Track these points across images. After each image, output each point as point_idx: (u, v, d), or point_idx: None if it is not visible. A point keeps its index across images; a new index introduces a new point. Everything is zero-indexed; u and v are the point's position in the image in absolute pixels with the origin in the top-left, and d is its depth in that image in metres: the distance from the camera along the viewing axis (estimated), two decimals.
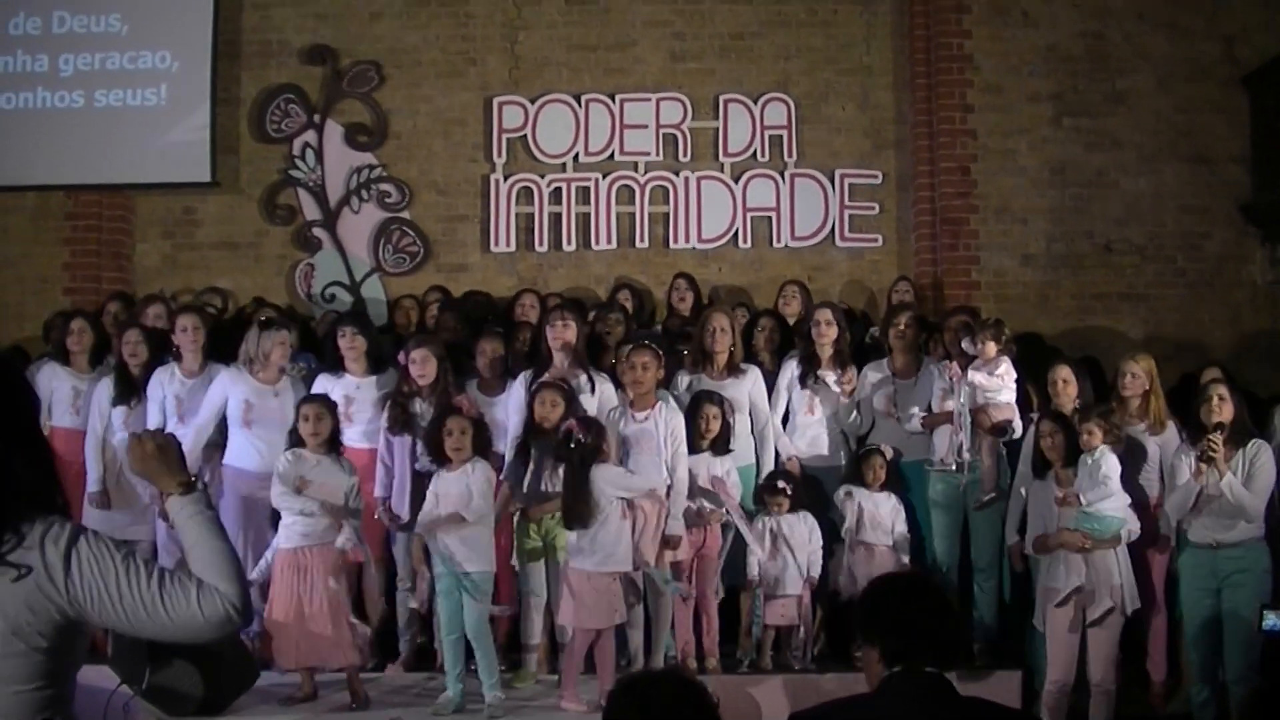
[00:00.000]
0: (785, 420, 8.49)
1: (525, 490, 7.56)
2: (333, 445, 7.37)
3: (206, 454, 8.21)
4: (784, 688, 7.47)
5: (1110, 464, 7.18)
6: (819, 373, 8.44)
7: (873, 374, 8.51)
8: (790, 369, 8.53)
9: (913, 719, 3.55)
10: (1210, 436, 7.00)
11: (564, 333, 7.98)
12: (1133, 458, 7.62)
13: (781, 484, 7.92)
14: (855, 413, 8.47)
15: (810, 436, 8.44)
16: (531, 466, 7.56)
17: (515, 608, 7.77)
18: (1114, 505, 7.16)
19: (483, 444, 7.32)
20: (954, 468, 8.00)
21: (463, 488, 7.14)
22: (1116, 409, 7.75)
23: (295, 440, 7.40)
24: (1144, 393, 7.83)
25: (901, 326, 8.52)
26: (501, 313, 9.94)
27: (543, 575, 7.64)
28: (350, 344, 8.24)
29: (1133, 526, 7.21)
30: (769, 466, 8.20)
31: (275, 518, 7.70)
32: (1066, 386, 7.86)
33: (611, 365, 8.24)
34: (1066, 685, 7.19)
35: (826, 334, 8.44)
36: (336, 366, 8.28)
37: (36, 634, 2.94)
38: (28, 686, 2.96)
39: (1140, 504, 7.52)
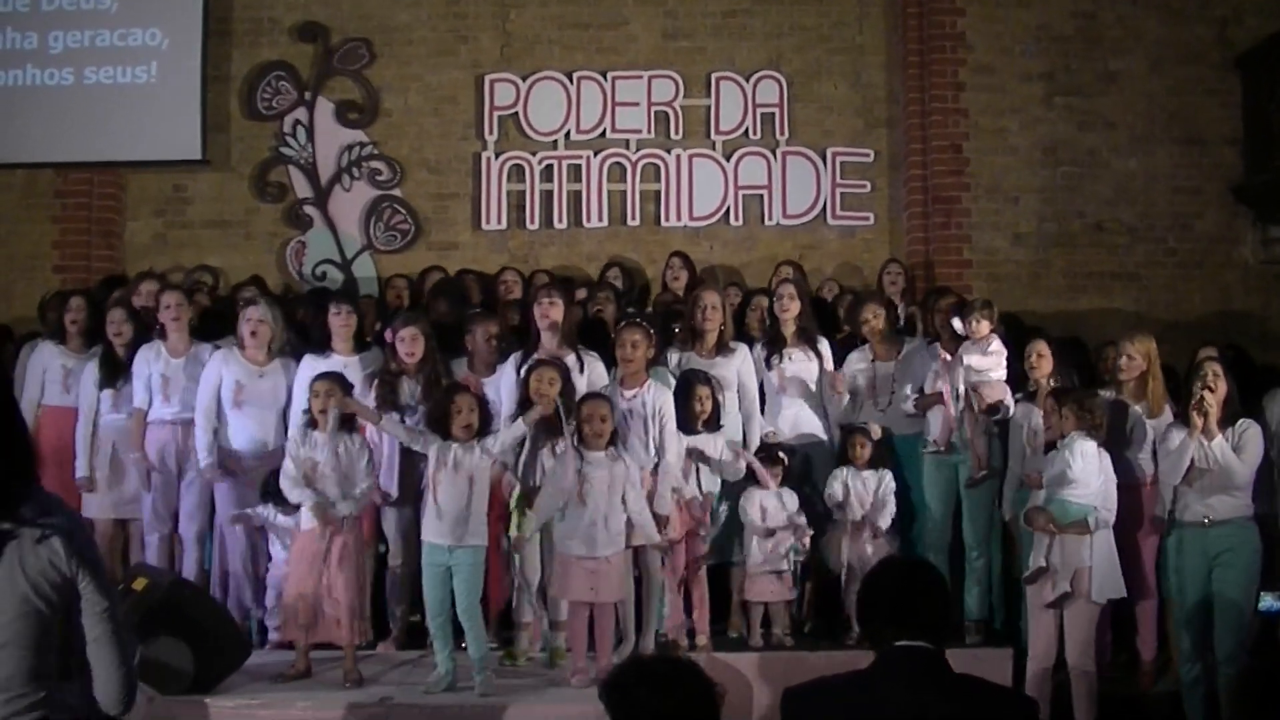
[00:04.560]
0: (763, 402, 8.46)
1: (521, 468, 7.54)
2: (344, 423, 7.33)
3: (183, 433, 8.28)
4: (774, 665, 7.47)
5: (1076, 453, 7.06)
6: (785, 350, 8.42)
7: (855, 360, 8.50)
8: (757, 350, 8.50)
9: (905, 694, 3.57)
10: (1204, 392, 7.01)
11: (550, 310, 7.94)
12: (1125, 436, 7.62)
13: (781, 454, 7.93)
14: (839, 394, 8.42)
15: (790, 416, 8.39)
16: (527, 445, 7.54)
17: (509, 590, 7.77)
18: (1079, 493, 7.07)
19: (485, 423, 7.30)
20: (945, 449, 8.02)
21: (467, 461, 7.14)
22: (1112, 391, 7.77)
23: (309, 420, 7.39)
24: (1140, 374, 7.80)
25: (870, 319, 8.49)
26: (488, 291, 9.92)
27: (537, 554, 7.63)
28: (345, 321, 8.23)
29: (1103, 514, 7.13)
30: (755, 443, 8.18)
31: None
32: (1041, 361, 7.84)
33: (606, 344, 8.19)
34: (1046, 665, 7.18)
35: (790, 309, 8.40)
36: (323, 345, 8.25)
37: (52, 591, 3.09)
38: (35, 650, 3.09)
39: (1130, 484, 7.51)
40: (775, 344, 8.42)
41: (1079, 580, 7.03)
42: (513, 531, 7.57)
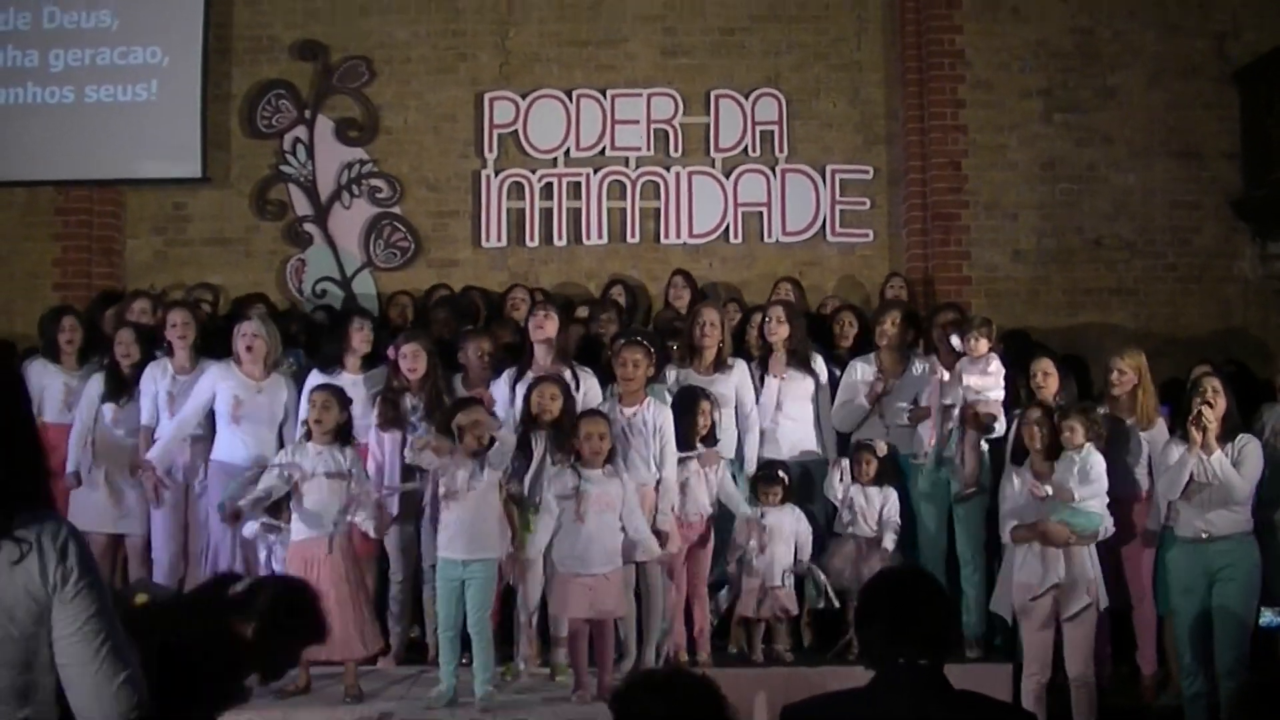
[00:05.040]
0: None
1: (527, 486, 7.54)
2: (339, 436, 7.34)
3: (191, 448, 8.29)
4: (775, 681, 7.47)
5: (1097, 462, 7.21)
6: (779, 371, 8.41)
7: (860, 369, 8.49)
8: (753, 368, 8.49)
9: (905, 711, 3.56)
10: (1203, 408, 7.03)
11: (545, 324, 7.98)
12: (1121, 450, 7.65)
13: (781, 474, 7.93)
14: (844, 410, 8.42)
15: (787, 435, 8.38)
16: (534, 463, 7.54)
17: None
18: (1098, 503, 7.19)
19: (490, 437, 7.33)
20: (925, 462, 8.03)
21: (478, 475, 7.15)
22: (1107, 404, 7.80)
23: (306, 431, 7.39)
24: (1132, 389, 7.84)
25: (888, 325, 8.50)
26: (493, 309, 9.93)
27: (539, 569, 7.62)
28: (366, 338, 8.27)
29: (1108, 524, 7.24)
30: (753, 460, 8.19)
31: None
32: (1048, 379, 7.86)
33: (607, 362, 8.19)
34: (1044, 679, 7.21)
35: (778, 332, 8.39)
36: (333, 363, 8.26)
37: (29, 618, 3.02)
38: (20, 669, 3.03)
39: (1126, 498, 7.54)
40: (766, 366, 8.42)
41: (1091, 591, 7.09)
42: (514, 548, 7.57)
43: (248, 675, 4.11)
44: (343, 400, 7.43)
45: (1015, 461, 7.54)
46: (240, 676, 4.06)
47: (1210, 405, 7.07)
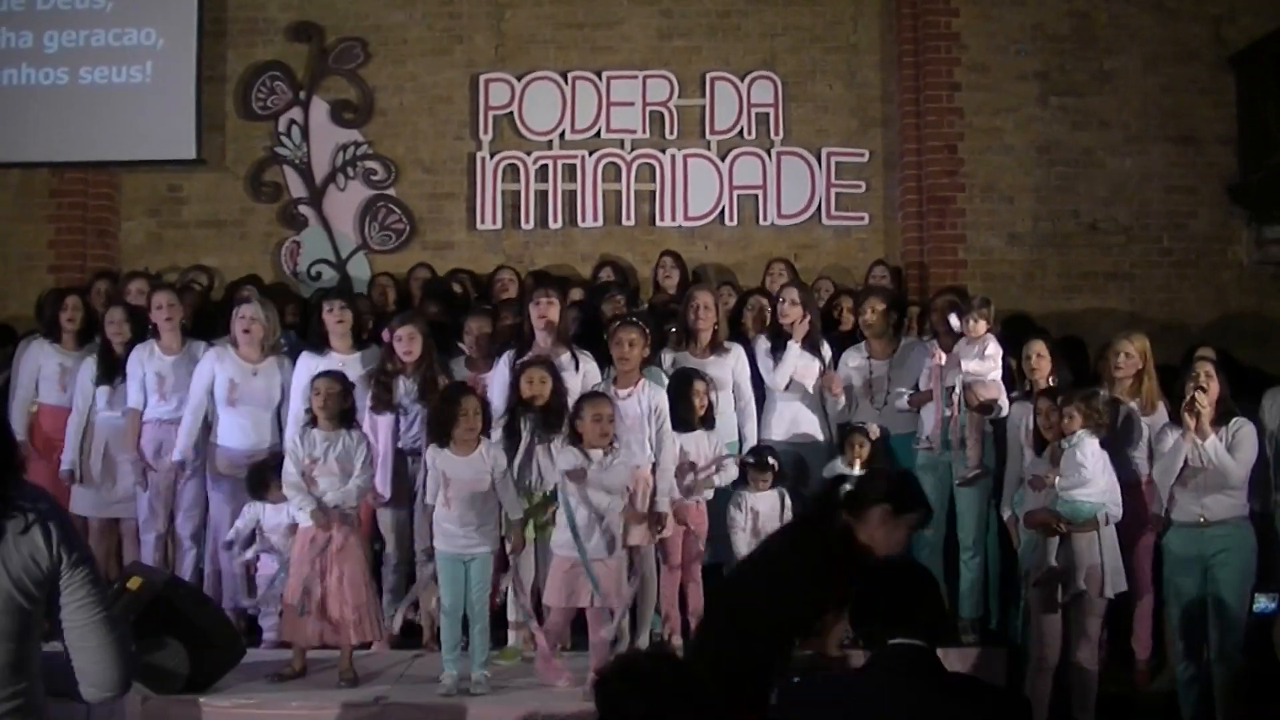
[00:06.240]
0: (762, 401, 8.44)
1: (517, 469, 7.52)
2: (344, 420, 7.31)
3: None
4: None
5: (1086, 451, 7.11)
6: (787, 350, 8.39)
7: (851, 358, 8.49)
8: (761, 345, 8.47)
9: (899, 692, 3.58)
10: (1195, 393, 7.03)
11: (547, 310, 7.96)
12: (1125, 435, 7.64)
13: (771, 460, 7.90)
14: (835, 395, 8.41)
15: (790, 416, 8.39)
16: (523, 446, 7.52)
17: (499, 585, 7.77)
18: (1089, 491, 7.09)
19: (485, 425, 7.29)
20: (932, 446, 8.02)
21: (476, 470, 7.13)
22: (1106, 389, 7.78)
23: (310, 419, 7.37)
24: (1136, 372, 7.83)
25: (869, 313, 8.48)
26: (484, 291, 9.93)
27: (530, 554, 7.63)
28: (338, 319, 8.22)
29: (1112, 510, 7.18)
30: (751, 443, 8.18)
31: None
32: (1040, 361, 7.85)
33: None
34: (1048, 664, 7.20)
35: (789, 314, 8.36)
36: (320, 344, 8.24)
37: (34, 586, 3.12)
38: (18, 641, 3.14)
39: (1129, 483, 7.53)
40: (777, 343, 8.39)
41: (1091, 579, 7.07)
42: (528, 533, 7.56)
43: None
44: (345, 385, 7.40)
45: (1037, 452, 7.50)
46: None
47: (1204, 390, 7.06)
